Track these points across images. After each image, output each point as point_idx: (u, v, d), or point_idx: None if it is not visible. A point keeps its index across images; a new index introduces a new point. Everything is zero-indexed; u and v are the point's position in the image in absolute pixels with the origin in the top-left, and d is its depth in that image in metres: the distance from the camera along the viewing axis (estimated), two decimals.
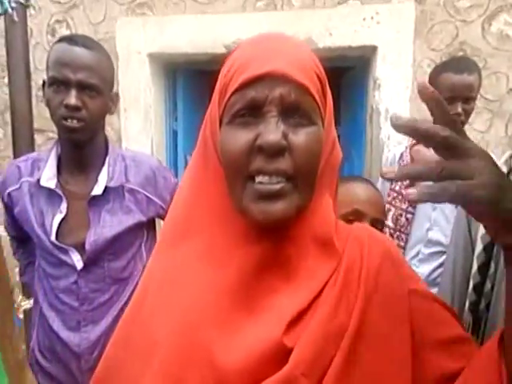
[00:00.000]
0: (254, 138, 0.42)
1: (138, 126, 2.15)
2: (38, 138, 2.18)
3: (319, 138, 0.44)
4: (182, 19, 2.06)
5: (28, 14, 1.75)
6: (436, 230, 1.49)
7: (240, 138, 0.42)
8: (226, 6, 2.02)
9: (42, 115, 2.19)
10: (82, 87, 0.90)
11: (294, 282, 0.44)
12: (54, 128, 2.29)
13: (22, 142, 1.69)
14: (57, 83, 0.89)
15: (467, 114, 1.39)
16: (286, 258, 0.45)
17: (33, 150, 1.75)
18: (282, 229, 0.45)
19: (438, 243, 1.48)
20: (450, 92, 1.37)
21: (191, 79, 2.44)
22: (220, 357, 0.41)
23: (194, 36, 2.04)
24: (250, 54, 0.44)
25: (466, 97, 1.37)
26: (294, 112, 0.42)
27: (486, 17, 1.84)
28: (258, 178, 0.42)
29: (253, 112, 0.42)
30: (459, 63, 1.43)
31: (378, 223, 0.87)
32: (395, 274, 0.48)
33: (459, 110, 1.36)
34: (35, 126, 2.04)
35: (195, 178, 0.50)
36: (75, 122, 0.90)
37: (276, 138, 0.40)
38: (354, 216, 0.85)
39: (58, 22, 2.19)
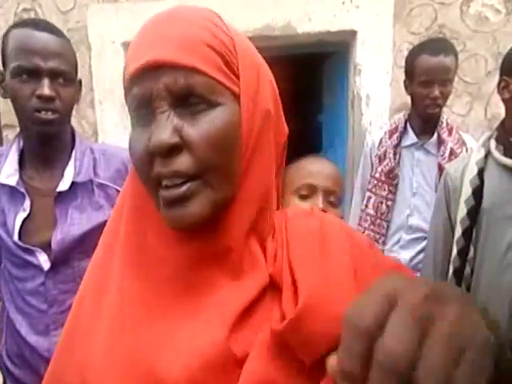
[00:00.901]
0: (148, 140, 0.37)
1: (115, 119, 2.08)
2: (9, 133, 2.10)
3: (227, 119, 0.38)
4: (156, 6, 1.98)
5: None
6: (416, 217, 1.49)
7: (138, 140, 0.38)
8: None
9: (10, 110, 2.10)
10: (55, 75, 0.84)
11: (238, 276, 0.41)
12: None
13: None
14: (25, 73, 0.82)
15: (445, 96, 1.39)
16: (225, 251, 0.41)
17: (1, 145, 1.68)
18: (209, 225, 0.40)
19: (419, 229, 1.48)
20: (427, 75, 1.37)
21: None
22: (161, 366, 0.37)
23: None
24: (134, 43, 0.39)
25: (443, 79, 1.36)
26: (186, 99, 0.37)
27: None
28: (164, 182, 0.37)
29: (146, 110, 0.38)
30: (435, 45, 1.42)
31: (331, 195, 0.86)
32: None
33: (436, 93, 1.36)
34: (5, 121, 1.96)
35: (128, 180, 0.47)
36: (50, 113, 0.84)
37: (164, 138, 0.35)
38: (305, 190, 0.85)
39: (25, 10, 2.09)
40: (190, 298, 0.40)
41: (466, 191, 1.02)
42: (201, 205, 0.38)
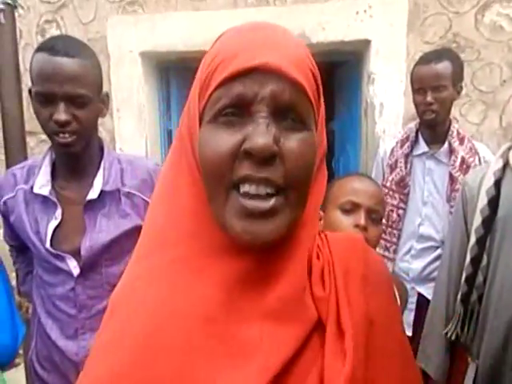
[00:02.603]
0: (241, 140, 0.36)
1: (132, 126, 2.13)
2: (31, 141, 2.17)
3: (313, 145, 0.39)
4: (173, 16, 2.04)
5: (16, 14, 1.73)
6: (427, 225, 1.49)
7: (223, 140, 0.36)
8: (218, 2, 2.00)
9: (33, 117, 2.17)
10: (70, 99, 0.86)
11: (286, 312, 0.38)
12: None
13: (14, 145, 1.67)
14: (42, 97, 0.86)
15: (441, 102, 1.39)
16: (273, 274, 0.39)
17: (25, 152, 1.73)
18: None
19: (430, 238, 1.48)
20: (419, 83, 1.42)
21: (184, 77, 2.42)
22: None
23: (187, 33, 2.02)
24: (239, 43, 0.38)
25: (434, 85, 1.38)
26: (287, 114, 0.37)
27: (478, 8, 1.83)
28: (244, 188, 0.36)
29: (239, 111, 0.37)
30: (431, 54, 1.46)
31: (374, 213, 0.89)
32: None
33: (428, 98, 1.39)
34: (27, 128, 2.02)
35: (169, 183, 0.44)
36: (67, 135, 0.87)
37: (267, 142, 0.34)
38: (349, 206, 0.88)
39: (47, 22, 2.17)
40: (228, 326, 0.38)
41: (482, 200, 1.02)
42: (280, 224, 0.37)
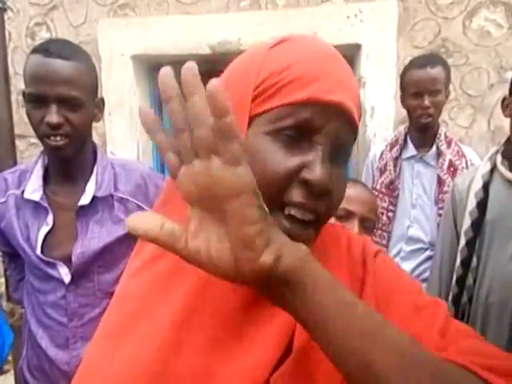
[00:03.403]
0: (300, 166, 0.36)
1: (123, 130, 2.12)
2: (20, 144, 2.14)
3: (346, 178, 0.42)
4: (165, 20, 2.03)
5: (6, 17, 1.71)
6: (416, 228, 1.51)
7: (282, 160, 0.36)
8: (210, 5, 2.01)
9: (23, 120, 2.14)
10: (62, 102, 0.85)
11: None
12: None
13: (3, 148, 1.65)
14: (35, 99, 0.85)
15: (436, 106, 1.43)
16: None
17: (14, 156, 1.71)
18: None
19: (419, 240, 1.50)
20: (415, 87, 1.43)
21: (176, 81, 2.42)
22: None
23: (178, 37, 2.02)
24: (315, 69, 0.38)
25: (431, 90, 1.41)
26: (340, 151, 0.39)
27: (466, 13, 1.86)
28: (292, 211, 0.37)
29: (301, 135, 0.37)
30: (422, 59, 1.49)
31: (367, 221, 0.89)
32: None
33: (426, 102, 1.41)
34: (16, 131, 2.00)
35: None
36: (59, 138, 0.86)
37: (326, 178, 0.36)
38: (343, 213, 0.88)
39: (37, 24, 2.15)
40: (242, 330, 0.39)
41: (471, 203, 1.04)
42: (310, 237, 0.39)
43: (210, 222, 0.30)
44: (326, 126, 0.37)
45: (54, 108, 0.84)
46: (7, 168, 1.16)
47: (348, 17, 1.92)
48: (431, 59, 1.46)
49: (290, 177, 0.36)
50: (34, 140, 2.21)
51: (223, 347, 0.38)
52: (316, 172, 0.36)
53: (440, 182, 1.43)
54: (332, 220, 0.87)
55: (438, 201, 1.43)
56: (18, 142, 2.03)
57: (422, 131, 1.50)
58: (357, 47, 1.94)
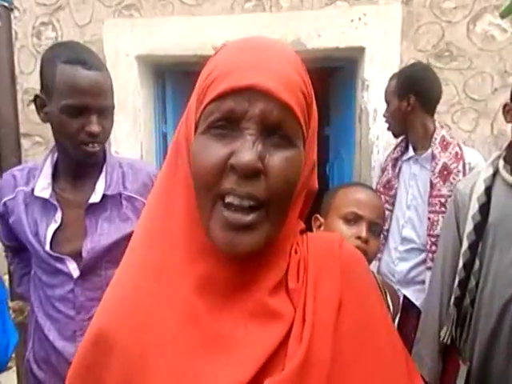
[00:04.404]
0: (228, 154, 0.38)
1: (127, 130, 2.13)
2: (25, 143, 2.15)
3: (298, 162, 0.41)
4: (170, 21, 2.05)
5: (12, 16, 1.72)
6: (409, 228, 1.53)
7: (213, 152, 0.39)
8: (215, 7, 2.02)
9: (28, 119, 2.16)
10: (101, 111, 0.90)
11: (266, 312, 0.41)
12: (41, 132, 2.25)
13: (8, 146, 1.66)
14: (75, 110, 0.88)
15: (390, 115, 1.56)
16: (255, 280, 0.42)
17: (19, 155, 1.73)
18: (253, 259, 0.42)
19: (412, 241, 1.53)
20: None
21: (180, 81, 2.43)
22: None
23: (183, 38, 2.03)
24: (234, 62, 0.40)
25: (385, 100, 1.58)
26: (274, 132, 0.39)
27: (470, 18, 1.87)
28: (228, 199, 0.38)
29: (230, 125, 0.39)
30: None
31: (375, 226, 0.89)
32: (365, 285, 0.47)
33: (383, 114, 1.61)
34: (21, 130, 2.01)
35: (164, 185, 0.47)
36: (96, 145, 0.91)
37: (251, 159, 0.37)
38: (351, 217, 0.89)
39: (43, 24, 2.16)
40: (223, 328, 0.41)
41: (474, 207, 1.04)
42: (259, 238, 0.39)
43: None
44: (249, 110, 0.38)
45: (94, 118, 0.88)
46: (12, 166, 1.18)
47: (352, 20, 1.93)
48: (393, 74, 1.59)
49: (220, 167, 0.38)
50: (39, 139, 2.23)
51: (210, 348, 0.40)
52: (239, 156, 0.37)
53: (431, 185, 1.44)
54: (341, 223, 0.89)
55: (428, 204, 1.45)
56: (22, 141, 2.04)
57: (397, 137, 1.61)
58: (361, 50, 1.95)
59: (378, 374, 0.42)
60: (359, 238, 0.86)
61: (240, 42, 0.44)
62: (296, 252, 0.46)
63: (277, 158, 0.39)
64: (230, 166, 0.38)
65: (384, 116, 1.60)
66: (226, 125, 0.39)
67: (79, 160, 0.94)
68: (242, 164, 0.37)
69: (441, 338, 1.09)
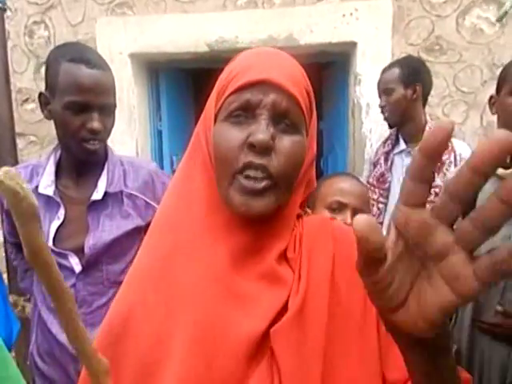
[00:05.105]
0: (246, 136, 0.46)
1: (122, 128, 2.14)
2: (19, 142, 2.15)
3: (303, 146, 0.49)
4: (163, 18, 2.05)
5: (4, 15, 1.72)
6: None
7: (233, 135, 0.47)
8: (207, 4, 2.03)
9: (22, 119, 2.16)
10: (103, 109, 0.92)
11: (271, 274, 0.48)
12: (35, 132, 2.25)
13: (3, 146, 1.66)
14: (77, 107, 0.90)
15: (392, 104, 1.54)
16: (265, 247, 0.49)
17: (15, 154, 1.73)
18: (261, 223, 0.49)
19: None
20: (377, 91, 1.61)
21: (174, 78, 2.44)
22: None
23: (176, 35, 2.04)
24: (250, 62, 0.49)
25: (383, 89, 1.56)
26: (283, 119, 0.47)
27: (459, 11, 1.90)
28: (246, 172, 0.46)
29: (246, 113, 0.47)
30: (385, 67, 1.63)
31: (360, 213, 0.92)
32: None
33: (380, 102, 1.58)
34: (16, 130, 2.01)
35: (185, 172, 0.54)
36: (96, 142, 0.92)
37: (265, 138, 0.45)
38: (336, 205, 0.93)
39: (35, 23, 2.16)
40: (240, 286, 0.48)
41: None
42: (269, 203, 0.47)
43: (406, 262, 0.28)
44: (263, 99, 0.46)
45: (96, 115, 0.90)
46: (9, 166, 1.19)
47: (344, 15, 1.95)
48: (390, 64, 1.60)
49: (240, 146, 0.46)
50: (34, 138, 2.23)
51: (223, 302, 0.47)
52: (256, 135, 0.45)
53: None
54: (326, 212, 0.92)
55: None
56: (17, 141, 2.04)
57: (398, 127, 1.60)
58: (352, 45, 1.97)
59: (372, 322, 0.48)
60: None
61: (254, 49, 0.53)
62: (293, 229, 0.53)
63: (285, 140, 0.47)
64: (248, 144, 0.46)
65: (381, 106, 1.59)
66: (243, 113, 0.47)
67: (81, 157, 0.96)
68: (257, 141, 0.44)
69: None
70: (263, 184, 0.46)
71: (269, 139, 0.45)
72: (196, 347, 0.44)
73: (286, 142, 0.47)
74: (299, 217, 0.56)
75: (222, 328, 0.45)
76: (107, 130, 0.94)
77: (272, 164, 0.46)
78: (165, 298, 0.48)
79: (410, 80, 1.50)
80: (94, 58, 0.92)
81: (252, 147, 0.45)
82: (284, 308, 0.47)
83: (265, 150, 0.45)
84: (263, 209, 0.47)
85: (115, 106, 0.97)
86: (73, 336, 0.32)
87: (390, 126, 1.62)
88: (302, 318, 0.46)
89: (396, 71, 1.52)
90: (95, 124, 0.89)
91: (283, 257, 0.51)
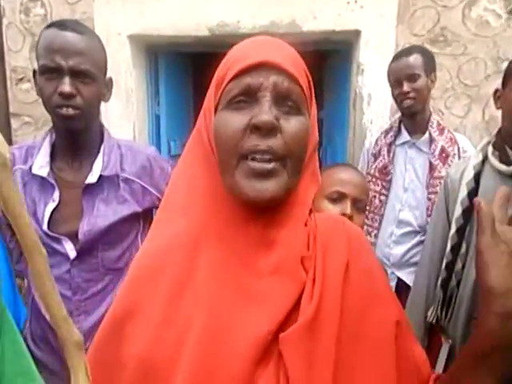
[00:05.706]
0: (249, 119, 0.44)
1: (119, 111, 2.10)
2: (14, 123, 2.11)
3: (307, 127, 0.48)
4: (163, 0, 2.00)
5: None
6: (407, 211, 1.56)
7: (235, 119, 0.45)
8: None
9: (16, 99, 2.12)
10: (76, 74, 0.87)
11: (282, 269, 0.47)
12: (30, 112, 2.21)
13: None
14: (49, 71, 0.86)
15: (417, 90, 1.46)
16: (274, 241, 0.48)
17: (9, 134, 1.70)
18: (269, 211, 0.47)
19: (409, 224, 1.56)
20: (394, 76, 1.51)
21: (174, 62, 2.39)
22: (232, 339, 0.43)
23: (177, 18, 1.99)
24: (247, 48, 0.49)
25: (408, 75, 1.46)
26: (286, 100, 0.46)
27: (466, 3, 1.86)
28: (252, 155, 0.44)
29: (248, 97, 0.45)
30: (401, 52, 1.56)
31: (359, 202, 0.94)
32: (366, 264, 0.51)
33: (404, 88, 1.46)
34: (10, 110, 1.98)
35: (188, 163, 0.53)
36: (70, 109, 0.88)
37: (269, 118, 0.43)
38: (336, 196, 0.93)
39: (31, 0, 2.10)
40: (241, 280, 0.46)
41: (463, 192, 1.07)
42: (279, 185, 0.45)
43: None
44: (264, 82, 0.45)
45: (67, 79, 0.86)
46: None
47: (348, 2, 1.91)
48: (408, 49, 1.53)
49: (244, 129, 0.45)
50: (28, 119, 2.19)
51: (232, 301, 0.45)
52: (259, 116, 0.43)
53: (431, 168, 1.47)
54: (326, 202, 0.92)
55: (428, 185, 1.48)
56: (11, 121, 2.00)
57: (410, 117, 1.54)
58: (356, 33, 1.94)
59: (387, 327, 0.47)
60: (344, 215, 0.90)
61: (250, 38, 0.52)
62: (306, 225, 0.51)
63: (290, 120, 0.46)
64: (251, 126, 0.44)
65: (402, 93, 1.47)
66: (244, 98, 0.46)
67: (58, 126, 0.92)
68: (262, 121, 0.43)
69: (427, 318, 1.13)
70: (271, 165, 0.44)
71: (273, 119, 0.43)
72: (204, 348, 0.43)
73: (291, 122, 0.45)
74: (311, 212, 0.54)
75: (231, 329, 0.44)
76: (85, 99, 0.89)
77: (279, 145, 0.44)
78: (172, 299, 0.46)
79: (430, 68, 1.48)
80: (72, 23, 0.89)
81: (256, 129, 0.44)
82: (295, 307, 0.45)
83: (270, 130, 0.44)
84: (275, 192, 0.44)
85: (98, 76, 0.91)
86: (42, 292, 0.32)
87: (404, 115, 1.55)
88: (315, 325, 0.44)
89: (419, 57, 1.47)
90: (65, 87, 0.85)
91: (296, 251, 0.48)
